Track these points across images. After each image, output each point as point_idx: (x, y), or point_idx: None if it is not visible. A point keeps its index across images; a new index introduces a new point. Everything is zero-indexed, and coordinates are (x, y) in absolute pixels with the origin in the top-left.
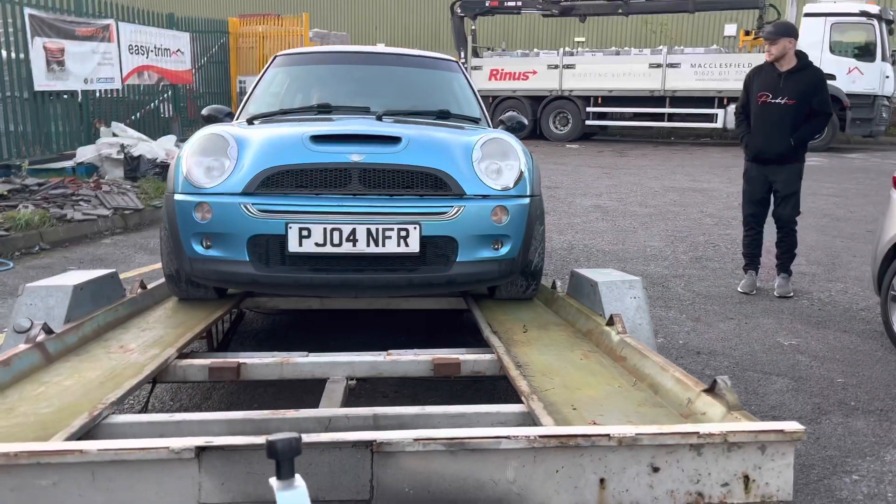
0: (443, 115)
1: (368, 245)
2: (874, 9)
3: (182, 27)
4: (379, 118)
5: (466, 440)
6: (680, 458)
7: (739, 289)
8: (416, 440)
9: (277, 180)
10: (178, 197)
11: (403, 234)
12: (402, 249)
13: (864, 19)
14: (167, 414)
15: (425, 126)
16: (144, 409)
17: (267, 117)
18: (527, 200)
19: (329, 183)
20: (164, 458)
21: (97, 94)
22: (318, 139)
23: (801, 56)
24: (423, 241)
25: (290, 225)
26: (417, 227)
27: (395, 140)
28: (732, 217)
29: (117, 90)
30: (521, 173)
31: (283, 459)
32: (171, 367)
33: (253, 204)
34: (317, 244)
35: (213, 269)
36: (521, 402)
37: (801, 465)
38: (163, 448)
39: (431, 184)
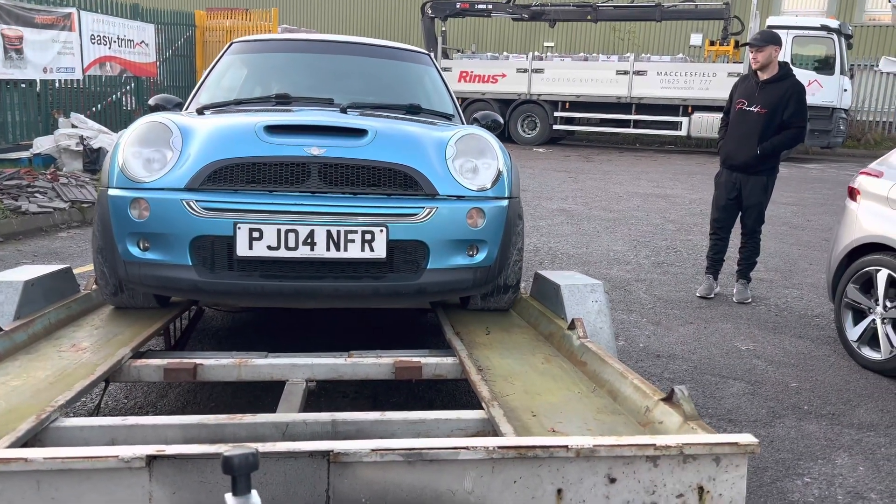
0: (413, 110)
1: (329, 249)
2: (834, 23)
3: (147, 18)
4: (343, 111)
5: (425, 451)
6: (636, 469)
7: (698, 293)
8: (373, 450)
9: (226, 175)
10: (112, 192)
11: (368, 237)
12: (367, 255)
13: (824, 33)
14: (119, 417)
15: (394, 120)
16: (97, 411)
17: (219, 107)
18: (505, 203)
19: (285, 179)
20: (113, 468)
21: (56, 84)
22: (273, 130)
23: (782, 66)
24: (391, 245)
25: (239, 225)
26: (384, 229)
27: (360, 133)
28: (694, 223)
29: (78, 80)
30: (500, 173)
31: (240, 475)
32: (126, 368)
33: (197, 201)
34: (269, 247)
35: (150, 274)
36: (481, 406)
37: (754, 468)
38: (112, 457)
39: (400, 182)
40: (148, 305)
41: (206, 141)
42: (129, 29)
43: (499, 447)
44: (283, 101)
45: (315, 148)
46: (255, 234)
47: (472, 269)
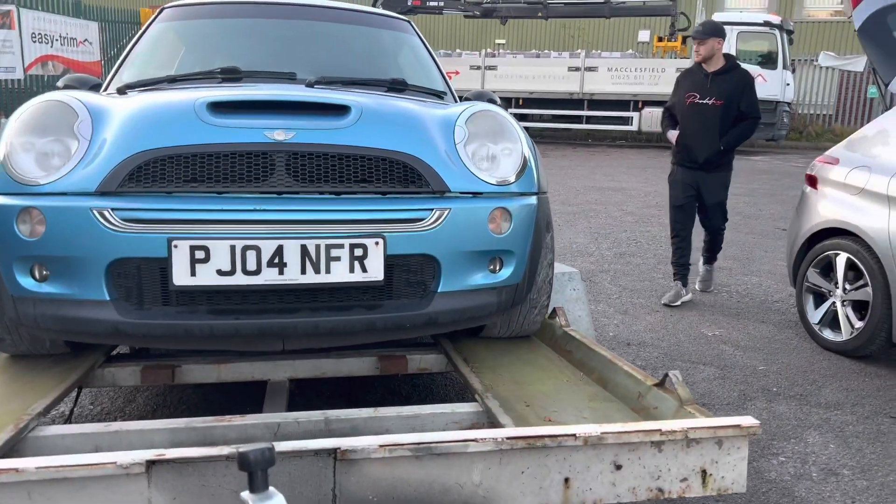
0: (397, 87)
1: (304, 272)
2: (776, 19)
3: (90, 16)
4: (310, 86)
5: (434, 444)
6: (642, 455)
7: (663, 300)
8: (381, 446)
9: (155, 172)
10: None
11: (358, 252)
12: (358, 277)
13: (767, 29)
14: (101, 423)
15: (382, 94)
16: (69, 419)
17: (147, 86)
18: (534, 200)
19: (239, 175)
20: (110, 474)
21: None
22: (220, 108)
23: (728, 58)
24: (389, 262)
25: (175, 242)
26: (380, 241)
27: (340, 110)
28: (651, 215)
29: (19, 80)
30: (525, 160)
31: (257, 470)
32: (99, 372)
33: (115, 210)
34: (220, 272)
35: (51, 313)
36: (472, 399)
37: None
38: (110, 463)
39: (399, 176)
40: (56, 352)
41: (126, 126)
42: (72, 27)
43: (507, 438)
44: (232, 76)
45: (279, 131)
46: (200, 255)
47: (496, 289)
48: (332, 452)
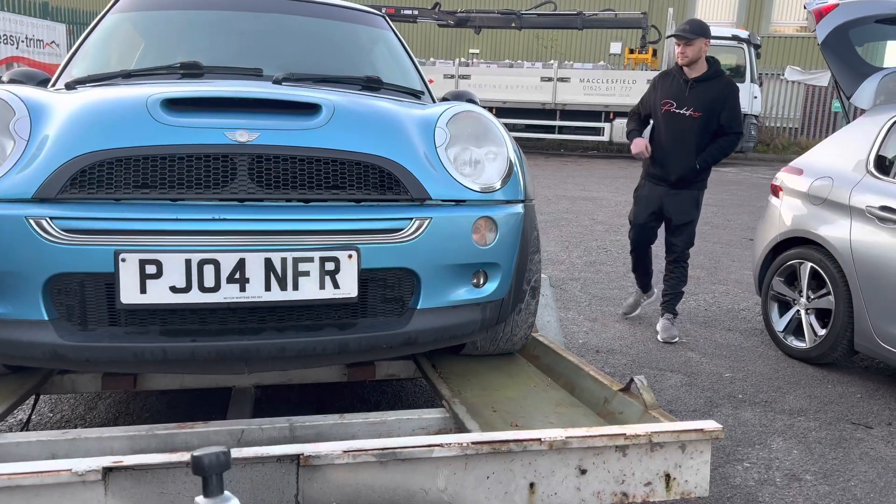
0: (371, 85)
1: (269, 288)
2: (744, 34)
3: (58, 17)
4: (277, 83)
5: (398, 450)
6: (606, 459)
7: (621, 311)
8: (345, 452)
9: (101, 176)
10: None
11: (329, 266)
12: (329, 293)
13: (735, 43)
14: (58, 431)
15: (356, 93)
16: (26, 426)
17: (99, 81)
18: (520, 208)
19: (196, 181)
20: (65, 482)
21: None
22: (176, 105)
23: (712, 63)
24: (364, 277)
25: (123, 256)
26: (353, 254)
27: (309, 109)
28: (621, 224)
29: None
30: (511, 165)
31: (211, 475)
32: (58, 378)
33: (54, 218)
34: (174, 289)
35: None
36: (439, 405)
37: None
38: (65, 471)
39: (375, 182)
40: None
41: (70, 125)
42: (39, 28)
43: (472, 443)
44: (193, 71)
45: (242, 132)
46: (151, 270)
47: (480, 305)
48: (295, 458)
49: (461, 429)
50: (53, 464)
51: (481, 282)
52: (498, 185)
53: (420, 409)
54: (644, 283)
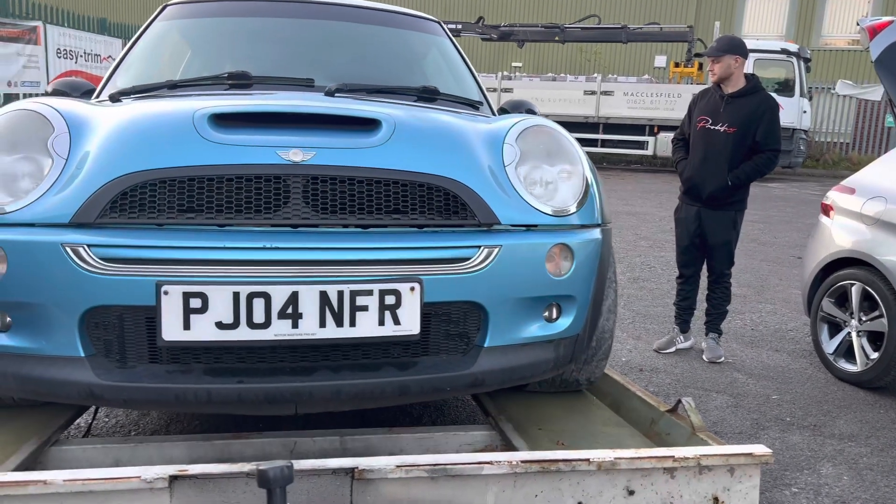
0: (427, 95)
1: (324, 324)
2: (794, 47)
3: (114, 33)
4: (330, 94)
5: (449, 466)
6: (654, 481)
7: (654, 346)
8: (398, 466)
9: (143, 200)
10: None
11: (390, 300)
12: (388, 331)
13: (784, 57)
14: (120, 438)
15: (415, 106)
16: (88, 432)
17: (144, 93)
18: (597, 233)
19: (245, 205)
20: (134, 488)
21: (21, 98)
22: (224, 121)
23: (750, 79)
24: (427, 312)
25: (166, 288)
26: (416, 286)
27: (368, 125)
28: (665, 240)
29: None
30: (587, 185)
31: (276, 488)
32: None
33: (92, 246)
34: (220, 325)
35: (12, 371)
36: (484, 420)
37: None
38: (134, 477)
39: (439, 205)
40: (17, 404)
41: (111, 142)
42: (96, 43)
43: (521, 461)
44: (241, 81)
45: (296, 151)
46: (195, 303)
47: (553, 342)
48: (350, 472)
49: (508, 446)
50: (123, 471)
51: (554, 316)
52: (573, 208)
53: (467, 426)
54: (683, 321)
